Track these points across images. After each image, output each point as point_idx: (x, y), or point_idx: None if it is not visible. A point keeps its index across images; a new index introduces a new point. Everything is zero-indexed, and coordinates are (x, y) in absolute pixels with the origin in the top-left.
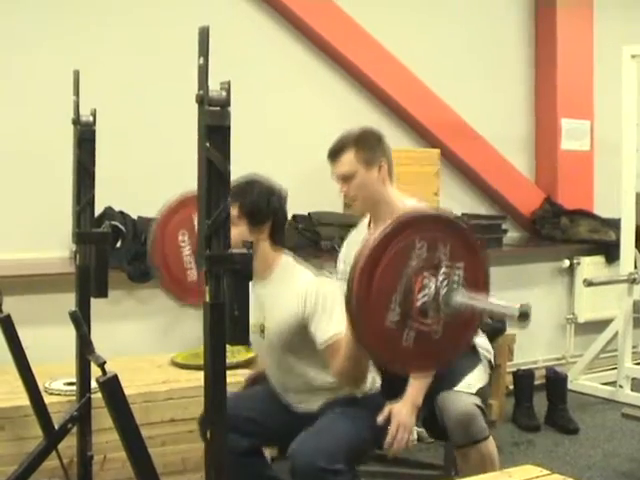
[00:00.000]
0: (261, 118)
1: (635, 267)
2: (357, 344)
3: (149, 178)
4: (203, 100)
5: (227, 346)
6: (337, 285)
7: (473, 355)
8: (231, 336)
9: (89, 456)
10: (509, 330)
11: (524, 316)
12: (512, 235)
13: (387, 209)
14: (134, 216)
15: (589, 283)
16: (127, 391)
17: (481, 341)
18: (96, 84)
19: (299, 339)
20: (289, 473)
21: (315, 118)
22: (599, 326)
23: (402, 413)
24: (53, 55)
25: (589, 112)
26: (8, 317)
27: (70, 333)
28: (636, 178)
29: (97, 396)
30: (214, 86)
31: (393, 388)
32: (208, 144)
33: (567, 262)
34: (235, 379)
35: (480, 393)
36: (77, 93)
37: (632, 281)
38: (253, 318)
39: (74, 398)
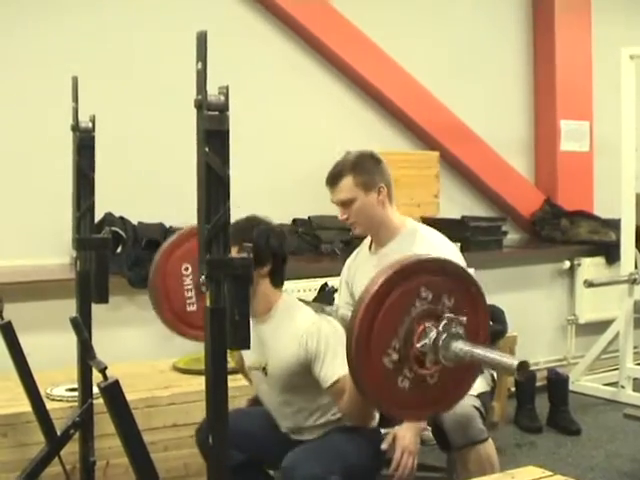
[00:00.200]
0: (260, 122)
1: (635, 267)
2: (354, 385)
3: (149, 183)
4: (202, 105)
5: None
6: (337, 325)
7: None
8: (232, 341)
9: (92, 462)
10: (510, 332)
11: (522, 370)
12: (512, 237)
13: (387, 232)
14: (134, 222)
15: (590, 284)
16: (129, 396)
17: None
18: (95, 90)
19: (299, 379)
20: None
21: (314, 122)
22: (600, 327)
23: (406, 438)
24: (52, 62)
25: (588, 113)
26: (9, 324)
27: (71, 339)
28: (636, 179)
29: (99, 402)
30: (212, 91)
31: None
32: (207, 149)
33: (567, 263)
34: (236, 383)
35: (480, 398)
36: (76, 99)
37: (633, 281)
38: (255, 357)
39: (76, 404)
